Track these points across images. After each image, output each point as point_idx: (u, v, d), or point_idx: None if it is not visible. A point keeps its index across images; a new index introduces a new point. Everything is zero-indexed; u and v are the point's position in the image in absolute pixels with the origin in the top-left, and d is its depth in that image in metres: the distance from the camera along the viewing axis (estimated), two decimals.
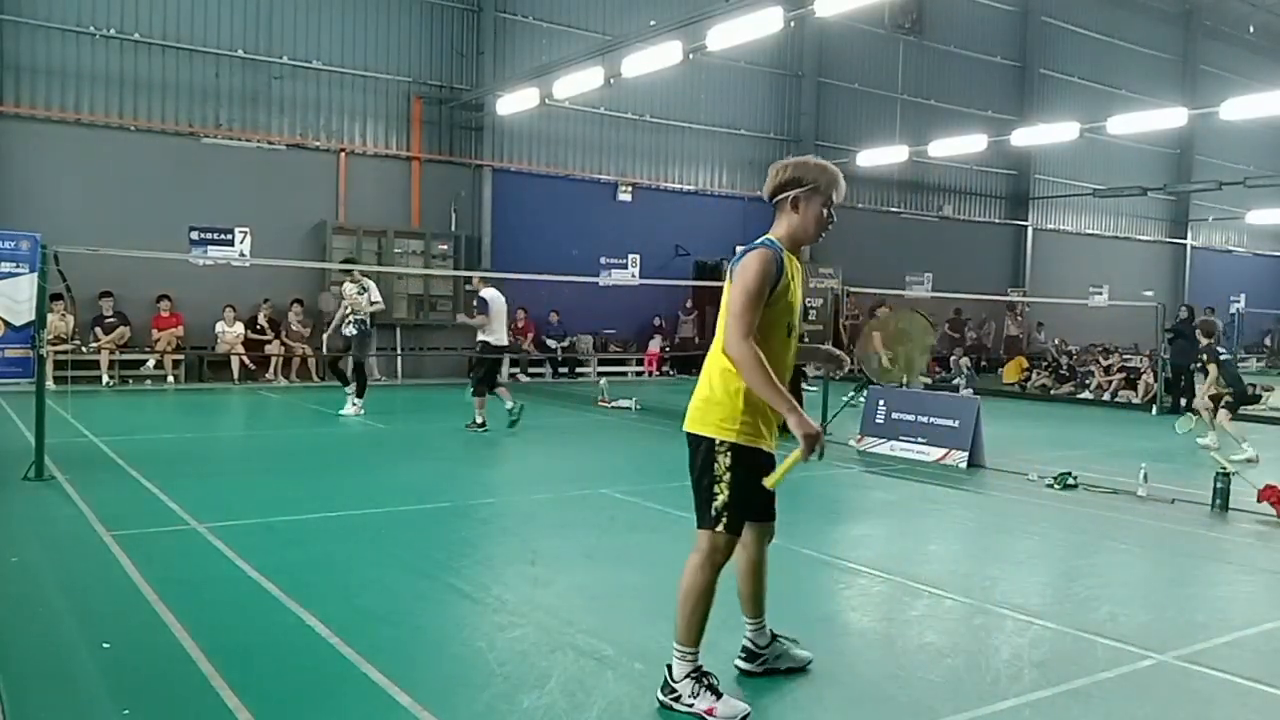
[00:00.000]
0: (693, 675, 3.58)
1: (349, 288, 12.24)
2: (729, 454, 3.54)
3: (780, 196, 3.67)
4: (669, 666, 3.64)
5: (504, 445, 10.83)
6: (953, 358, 21.59)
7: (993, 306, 25.81)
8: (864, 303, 20.26)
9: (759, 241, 3.60)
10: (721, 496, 3.54)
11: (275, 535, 6.14)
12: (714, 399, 3.57)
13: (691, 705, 3.55)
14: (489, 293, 11.26)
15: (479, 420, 11.15)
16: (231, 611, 4.61)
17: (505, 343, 11.60)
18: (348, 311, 12.16)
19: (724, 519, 3.55)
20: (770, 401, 3.46)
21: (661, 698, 3.62)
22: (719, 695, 3.55)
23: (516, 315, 19.33)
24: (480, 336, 11.24)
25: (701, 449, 3.59)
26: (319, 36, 17.60)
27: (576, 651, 4.13)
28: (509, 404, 11.31)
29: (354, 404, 12.17)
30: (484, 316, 11.13)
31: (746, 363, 3.41)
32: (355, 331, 12.18)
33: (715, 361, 3.60)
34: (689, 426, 3.64)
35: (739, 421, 3.53)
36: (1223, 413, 11.11)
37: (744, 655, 3.99)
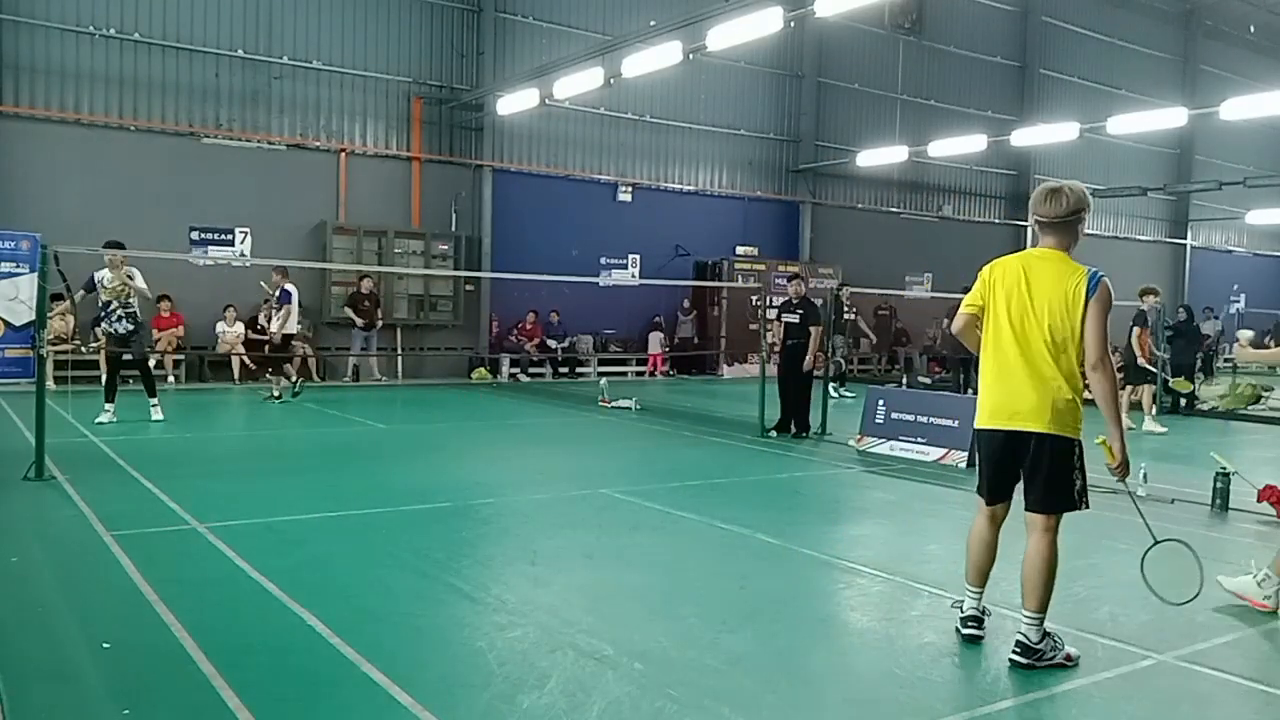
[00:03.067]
0: (1048, 635, 4.14)
1: (109, 274, 10.68)
2: (1081, 449, 4.18)
3: (1073, 218, 4.21)
4: (1023, 635, 4.12)
5: (504, 445, 10.83)
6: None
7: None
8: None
9: (1094, 272, 4.13)
10: (1080, 483, 4.17)
11: (275, 535, 6.14)
12: (1070, 406, 4.11)
13: (1053, 658, 4.11)
14: (290, 286, 13.56)
15: (276, 393, 13.80)
16: (231, 611, 4.60)
17: (294, 330, 14.02)
18: (117, 302, 10.75)
19: (1085, 497, 4.21)
20: (1112, 417, 4.10)
21: (1023, 660, 4.08)
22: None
23: (526, 318, 19.38)
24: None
25: (1062, 448, 4.13)
26: (319, 36, 17.59)
27: (576, 651, 4.13)
28: (293, 379, 14.00)
29: (155, 409, 11.15)
30: (289, 307, 13.45)
31: (1112, 379, 4.10)
32: (130, 326, 10.83)
33: (1060, 369, 4.10)
34: (1049, 429, 4.11)
35: (1081, 423, 4.17)
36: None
37: (975, 624, 4.41)
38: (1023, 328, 4.14)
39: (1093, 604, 5.14)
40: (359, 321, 17.22)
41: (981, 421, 4.30)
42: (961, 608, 4.47)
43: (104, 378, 11.74)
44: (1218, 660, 4.27)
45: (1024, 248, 23.17)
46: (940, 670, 4.08)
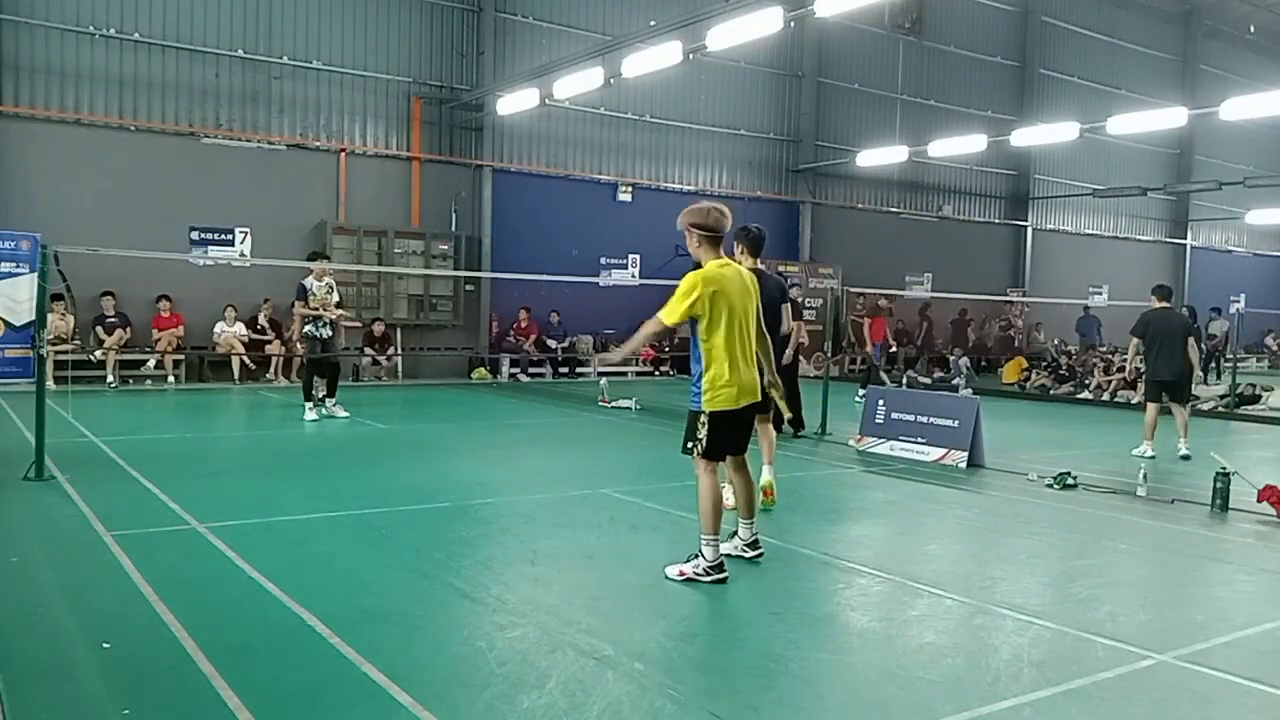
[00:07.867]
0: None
1: (317, 283, 11.59)
2: None
3: None
4: (753, 535, 5.75)
5: (504, 445, 10.83)
6: (952, 357, 21.58)
7: (983, 308, 25.82)
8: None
9: None
10: None
11: (275, 535, 6.14)
12: None
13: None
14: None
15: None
16: (231, 611, 4.60)
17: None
18: (324, 310, 11.58)
19: None
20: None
21: (761, 549, 5.75)
22: None
23: (519, 316, 19.36)
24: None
25: None
26: (319, 36, 17.59)
27: (576, 651, 4.13)
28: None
29: (338, 408, 11.88)
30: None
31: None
32: (330, 332, 11.60)
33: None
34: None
35: None
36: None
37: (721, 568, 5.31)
38: (747, 325, 5.46)
39: (1093, 604, 5.14)
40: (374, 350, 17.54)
41: (728, 405, 5.25)
42: (709, 557, 5.21)
43: (309, 379, 11.98)
44: (1218, 660, 4.27)
45: (1023, 247, 23.21)
46: (940, 670, 4.09)
